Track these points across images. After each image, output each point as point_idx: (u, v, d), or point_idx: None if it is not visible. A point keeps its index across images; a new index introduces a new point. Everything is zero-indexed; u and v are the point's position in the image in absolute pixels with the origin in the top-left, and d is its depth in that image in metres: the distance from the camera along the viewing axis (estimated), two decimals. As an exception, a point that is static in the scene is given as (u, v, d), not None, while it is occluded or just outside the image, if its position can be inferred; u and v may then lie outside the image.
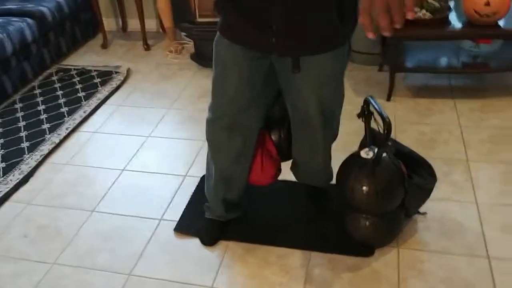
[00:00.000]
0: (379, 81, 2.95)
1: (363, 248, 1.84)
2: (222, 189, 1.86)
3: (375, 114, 1.73)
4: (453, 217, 1.98)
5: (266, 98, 1.72)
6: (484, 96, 2.77)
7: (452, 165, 2.25)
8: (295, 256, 1.85)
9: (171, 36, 3.59)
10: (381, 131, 1.73)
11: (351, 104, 2.09)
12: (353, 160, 1.76)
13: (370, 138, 1.79)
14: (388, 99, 2.77)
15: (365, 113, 1.78)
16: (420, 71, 2.88)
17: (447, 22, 2.64)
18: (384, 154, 1.68)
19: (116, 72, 3.32)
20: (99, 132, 2.71)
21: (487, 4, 2.42)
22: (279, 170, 1.89)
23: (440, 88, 2.89)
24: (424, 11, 2.57)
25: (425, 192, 1.84)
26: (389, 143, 1.66)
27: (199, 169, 2.34)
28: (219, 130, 1.72)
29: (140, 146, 2.56)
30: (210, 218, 1.98)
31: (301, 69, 1.54)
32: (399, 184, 1.71)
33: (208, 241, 1.94)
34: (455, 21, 2.65)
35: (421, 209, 1.93)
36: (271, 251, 1.89)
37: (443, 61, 2.81)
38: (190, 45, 3.59)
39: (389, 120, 1.61)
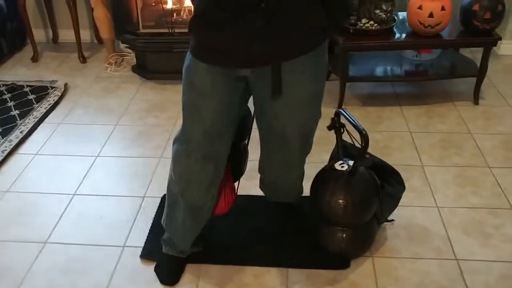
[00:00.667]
0: (328, 91, 2.99)
1: (339, 261, 1.83)
2: (192, 222, 1.72)
3: (346, 126, 1.74)
4: (418, 223, 2.03)
5: (237, 120, 1.64)
6: (427, 102, 2.90)
7: (409, 171, 2.32)
8: (271, 274, 1.81)
9: (110, 47, 3.42)
10: (354, 143, 1.74)
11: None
12: (328, 173, 1.75)
13: (342, 150, 1.79)
14: (340, 107, 2.81)
15: (336, 126, 1.78)
16: (368, 81, 2.95)
17: (392, 33, 2.73)
18: (361, 167, 1.69)
19: (52, 87, 3.10)
20: (40, 154, 2.50)
21: (431, 15, 2.53)
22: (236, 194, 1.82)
23: (387, 95, 2.99)
24: (372, 22, 2.64)
25: (396, 200, 1.87)
26: (367, 156, 1.67)
27: (158, 189, 2.23)
28: (193, 162, 1.59)
29: (90, 167, 2.40)
30: (170, 254, 1.83)
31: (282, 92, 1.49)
32: (375, 195, 1.72)
33: (171, 281, 1.78)
34: (400, 32, 2.74)
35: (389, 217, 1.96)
36: (245, 271, 1.83)
37: (388, 70, 2.90)
38: (130, 57, 3.45)
39: (366, 132, 1.62)
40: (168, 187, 1.76)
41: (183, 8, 3.10)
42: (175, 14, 3.08)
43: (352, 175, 1.69)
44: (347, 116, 1.69)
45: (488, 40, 2.64)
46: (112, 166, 2.40)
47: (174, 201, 1.73)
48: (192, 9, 1.55)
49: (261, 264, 1.84)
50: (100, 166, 2.41)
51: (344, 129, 1.77)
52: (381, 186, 1.74)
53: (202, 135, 1.56)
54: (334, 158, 1.83)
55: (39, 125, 2.73)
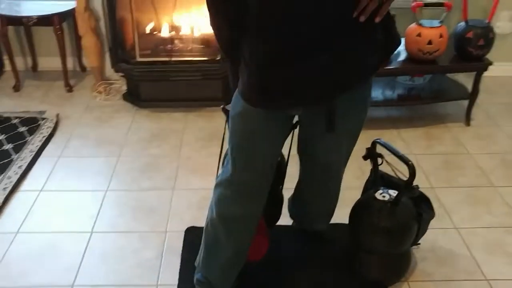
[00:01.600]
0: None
1: (376, 288, 1.86)
2: (235, 263, 1.69)
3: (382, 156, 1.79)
4: (441, 245, 2.09)
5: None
6: (422, 124, 3.01)
7: (421, 194, 2.39)
8: (314, 306, 1.81)
9: (98, 75, 3.32)
10: (396, 172, 1.78)
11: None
12: (369, 202, 1.78)
13: (379, 180, 1.83)
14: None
15: (373, 155, 1.82)
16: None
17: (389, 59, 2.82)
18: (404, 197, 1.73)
19: (43, 119, 2.96)
20: (46, 190, 2.38)
21: (430, 43, 2.65)
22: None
23: (382, 119, 3.08)
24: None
25: (427, 226, 1.92)
26: (415, 186, 1.71)
27: (179, 222, 2.18)
28: (239, 205, 1.58)
29: (101, 202, 2.31)
30: None
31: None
32: (415, 224, 1.76)
33: None
34: (396, 58, 2.84)
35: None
36: (286, 303, 1.81)
37: (383, 94, 3.00)
38: (118, 85, 3.36)
39: (412, 163, 1.66)
40: (206, 229, 1.71)
41: (179, 36, 3.07)
42: (172, 42, 3.04)
43: (395, 204, 1.72)
44: (388, 146, 1.73)
45: (481, 65, 2.79)
46: (124, 200, 2.32)
47: (215, 243, 1.68)
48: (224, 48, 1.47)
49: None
50: (112, 200, 2.32)
51: (383, 159, 1.81)
52: (419, 214, 1.79)
53: (251, 179, 1.55)
54: (370, 188, 1.86)
55: (36, 159, 2.60)
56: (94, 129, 2.91)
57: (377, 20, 1.30)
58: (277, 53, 1.33)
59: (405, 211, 1.75)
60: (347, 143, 1.62)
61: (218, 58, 3.03)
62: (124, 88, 3.33)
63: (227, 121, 1.70)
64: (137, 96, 3.16)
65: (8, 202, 2.29)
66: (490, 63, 2.80)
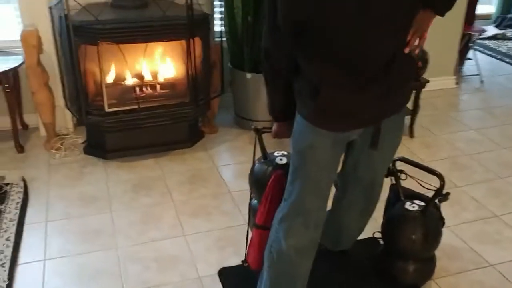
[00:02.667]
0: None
1: (411, 291, 2.07)
2: None
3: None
4: (443, 242, 2.38)
5: None
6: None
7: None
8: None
9: (52, 132, 3.14)
10: (423, 185, 2.02)
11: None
12: (402, 213, 1.99)
13: (402, 193, 2.06)
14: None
15: (393, 172, 2.04)
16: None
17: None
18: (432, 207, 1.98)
19: (6, 184, 2.73)
20: (50, 258, 2.22)
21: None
22: None
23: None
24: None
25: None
26: (446, 193, 1.96)
27: (207, 264, 2.19)
28: (311, 232, 1.70)
29: (119, 261, 2.22)
30: None
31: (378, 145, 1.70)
32: (441, 229, 2.02)
33: None
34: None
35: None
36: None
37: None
38: (73, 140, 3.22)
39: (440, 173, 1.92)
40: (273, 266, 1.76)
41: (145, 83, 3.06)
42: (138, 90, 3.02)
43: (425, 213, 1.96)
44: (413, 161, 1.98)
45: (420, 84, 3.22)
46: (143, 254, 2.26)
47: (290, 276, 1.75)
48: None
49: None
50: (130, 256, 2.24)
51: (406, 174, 2.04)
52: (441, 218, 2.04)
53: (320, 205, 1.69)
54: (394, 201, 2.08)
55: (22, 228, 2.40)
56: (70, 188, 2.75)
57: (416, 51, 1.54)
58: (350, 83, 1.49)
59: (433, 217, 2.00)
60: (389, 158, 1.83)
61: (187, 101, 3.07)
62: (80, 141, 3.20)
63: (258, 139, 1.93)
64: (101, 148, 3.06)
65: (14, 279, 2.09)
66: (427, 81, 3.24)
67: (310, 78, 1.52)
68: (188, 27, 2.85)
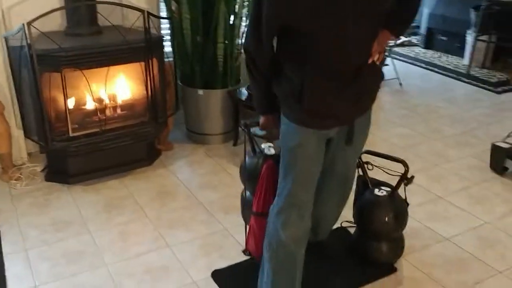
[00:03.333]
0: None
1: (386, 268, 2.32)
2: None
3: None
4: (401, 225, 2.68)
5: None
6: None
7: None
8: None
9: (9, 162, 3.07)
10: (389, 172, 2.29)
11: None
12: (373, 199, 2.24)
13: (369, 181, 2.32)
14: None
15: (361, 164, 2.30)
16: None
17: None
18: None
19: (-29, 219, 2.64)
20: (42, 284, 2.21)
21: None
22: None
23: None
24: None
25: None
26: (411, 177, 2.24)
27: (199, 270, 2.30)
28: (306, 221, 1.88)
29: (114, 277, 2.26)
30: None
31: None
32: (407, 209, 2.30)
33: None
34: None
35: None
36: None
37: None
38: (30, 168, 3.16)
39: (403, 160, 2.20)
40: (275, 256, 1.91)
41: (105, 106, 3.10)
42: (99, 113, 3.05)
43: (393, 197, 2.24)
44: (378, 152, 2.25)
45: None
46: (133, 270, 2.32)
47: (291, 264, 1.92)
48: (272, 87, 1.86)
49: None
50: (120, 273, 2.29)
51: (372, 165, 2.30)
52: (405, 201, 2.33)
53: (310, 197, 1.89)
54: (363, 190, 2.33)
55: (2, 260, 2.35)
56: (40, 215, 2.72)
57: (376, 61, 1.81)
58: (330, 88, 1.72)
59: (400, 200, 2.28)
60: (358, 154, 2.08)
61: (146, 120, 3.15)
62: (39, 169, 3.16)
63: (248, 135, 2.09)
64: (63, 174, 3.04)
65: (8, 309, 2.07)
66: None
67: (294, 83, 1.73)
68: (146, 49, 2.96)
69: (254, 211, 2.09)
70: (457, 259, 2.42)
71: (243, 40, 3.60)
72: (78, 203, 2.85)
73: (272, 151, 2.15)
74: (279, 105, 1.85)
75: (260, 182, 2.05)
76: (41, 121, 2.79)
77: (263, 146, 2.19)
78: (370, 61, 1.76)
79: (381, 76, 1.90)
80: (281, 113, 1.85)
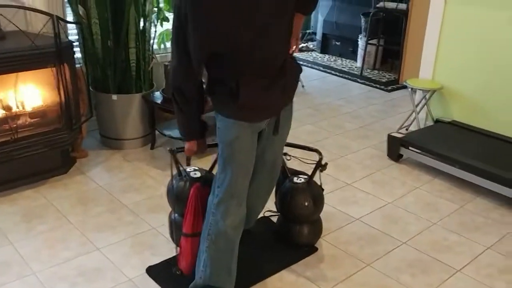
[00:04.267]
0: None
1: (308, 249, 2.54)
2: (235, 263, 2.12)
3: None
4: (316, 211, 2.92)
5: None
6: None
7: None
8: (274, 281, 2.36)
9: None
10: (303, 160, 2.50)
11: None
12: (292, 186, 2.45)
13: (287, 171, 2.53)
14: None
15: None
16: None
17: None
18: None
19: None
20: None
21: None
22: None
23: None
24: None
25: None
26: (325, 164, 2.46)
27: (134, 267, 2.34)
28: (243, 209, 2.04)
29: (45, 285, 2.22)
30: None
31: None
32: (323, 194, 2.53)
33: None
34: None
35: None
36: (265, 284, 2.31)
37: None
38: None
39: (318, 149, 2.43)
40: (215, 245, 2.03)
41: (14, 114, 2.99)
42: (9, 120, 2.94)
43: (310, 183, 2.46)
44: (293, 143, 2.46)
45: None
46: (64, 273, 2.30)
47: (230, 251, 2.06)
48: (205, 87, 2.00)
49: (263, 278, 2.34)
50: (51, 279, 2.26)
51: (290, 156, 2.51)
52: (321, 186, 2.56)
53: (247, 185, 2.06)
54: (283, 180, 2.53)
55: None
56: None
57: (296, 52, 2.06)
58: (260, 84, 1.91)
59: (316, 186, 2.50)
60: (283, 144, 2.27)
61: (60, 127, 3.10)
62: None
63: (174, 159, 2.19)
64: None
65: None
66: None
67: (227, 84, 1.89)
68: (57, 54, 2.93)
69: (185, 232, 2.17)
70: (367, 236, 2.71)
71: (154, 45, 3.67)
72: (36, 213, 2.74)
73: (198, 174, 2.26)
74: (214, 108, 2.00)
75: (188, 204, 2.15)
76: None
77: (188, 169, 2.29)
78: (293, 51, 2.00)
79: (299, 69, 2.13)
80: (216, 112, 2.01)
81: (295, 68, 2.09)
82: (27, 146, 2.96)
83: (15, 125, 2.97)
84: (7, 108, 2.97)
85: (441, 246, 2.63)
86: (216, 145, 2.08)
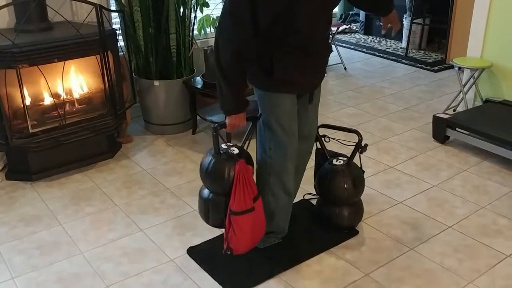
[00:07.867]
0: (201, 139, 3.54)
1: (349, 232, 2.51)
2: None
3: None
4: (358, 194, 2.88)
5: None
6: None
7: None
8: (313, 263, 2.35)
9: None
10: (343, 143, 2.47)
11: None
12: (332, 168, 2.42)
13: (327, 153, 2.50)
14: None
15: (318, 137, 2.48)
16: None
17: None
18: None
19: None
20: (20, 275, 2.23)
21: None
22: None
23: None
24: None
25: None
26: (365, 145, 2.43)
27: (175, 249, 2.39)
28: (290, 164, 2.21)
29: (91, 264, 2.31)
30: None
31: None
32: (363, 176, 2.49)
33: None
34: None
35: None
36: (304, 266, 2.30)
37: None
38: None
39: (357, 130, 2.39)
40: (273, 200, 2.26)
41: (63, 100, 3.11)
42: (58, 107, 3.05)
43: (350, 165, 2.42)
44: (333, 125, 2.44)
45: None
46: (109, 254, 2.38)
47: (288, 202, 2.32)
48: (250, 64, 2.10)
49: (302, 260, 2.34)
50: (97, 258, 2.35)
51: (329, 137, 2.48)
52: (361, 168, 2.52)
53: (295, 145, 2.19)
54: (322, 161, 2.51)
55: (-27, 257, 2.35)
56: (6, 213, 2.72)
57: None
58: (302, 64, 2.09)
59: (357, 168, 2.46)
60: (316, 118, 2.35)
61: (105, 113, 3.19)
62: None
63: (216, 135, 2.19)
64: (25, 171, 3.04)
65: None
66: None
67: (263, 62, 2.04)
68: (101, 42, 3.00)
69: (236, 211, 2.10)
70: (411, 219, 2.65)
71: (195, 31, 3.70)
72: (44, 198, 2.86)
73: (237, 151, 2.20)
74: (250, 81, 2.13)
75: (235, 181, 2.09)
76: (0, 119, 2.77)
77: (224, 146, 2.23)
78: (383, 32, 2.57)
79: (330, 49, 2.23)
80: (254, 87, 2.16)
81: (328, 49, 2.22)
82: (74, 132, 3.06)
83: (63, 112, 3.08)
84: (56, 96, 3.08)
85: (490, 231, 2.54)
86: (251, 118, 2.19)
